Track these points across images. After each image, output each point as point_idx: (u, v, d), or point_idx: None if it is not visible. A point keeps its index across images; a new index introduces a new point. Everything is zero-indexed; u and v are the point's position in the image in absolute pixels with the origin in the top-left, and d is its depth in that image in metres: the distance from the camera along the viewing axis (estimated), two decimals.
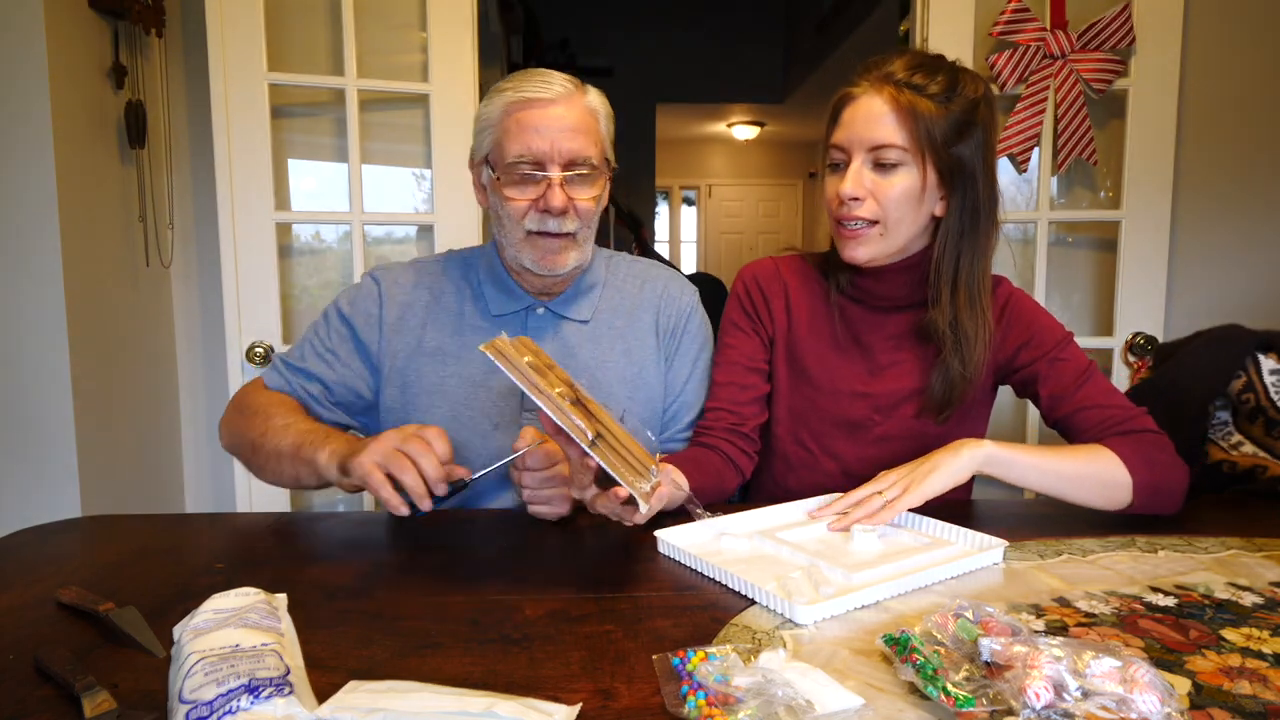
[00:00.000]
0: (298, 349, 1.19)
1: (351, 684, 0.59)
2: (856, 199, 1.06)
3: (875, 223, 1.07)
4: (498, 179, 1.10)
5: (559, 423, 0.79)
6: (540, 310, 1.19)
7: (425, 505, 0.86)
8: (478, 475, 0.91)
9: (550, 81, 1.09)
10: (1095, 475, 0.99)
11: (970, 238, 1.09)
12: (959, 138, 1.05)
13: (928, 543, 0.91)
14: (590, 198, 1.11)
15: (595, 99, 1.13)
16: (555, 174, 1.07)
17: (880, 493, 0.96)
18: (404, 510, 0.87)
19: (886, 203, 1.06)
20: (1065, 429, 1.10)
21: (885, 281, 1.15)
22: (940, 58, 1.09)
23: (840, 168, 1.09)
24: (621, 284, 1.25)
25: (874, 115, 1.05)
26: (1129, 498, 0.99)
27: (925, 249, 1.12)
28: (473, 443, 1.13)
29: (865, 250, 1.09)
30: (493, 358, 0.81)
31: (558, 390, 0.80)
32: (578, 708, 0.56)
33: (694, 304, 1.27)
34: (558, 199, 1.06)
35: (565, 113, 1.07)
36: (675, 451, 1.19)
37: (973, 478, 1.02)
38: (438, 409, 1.15)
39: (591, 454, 0.79)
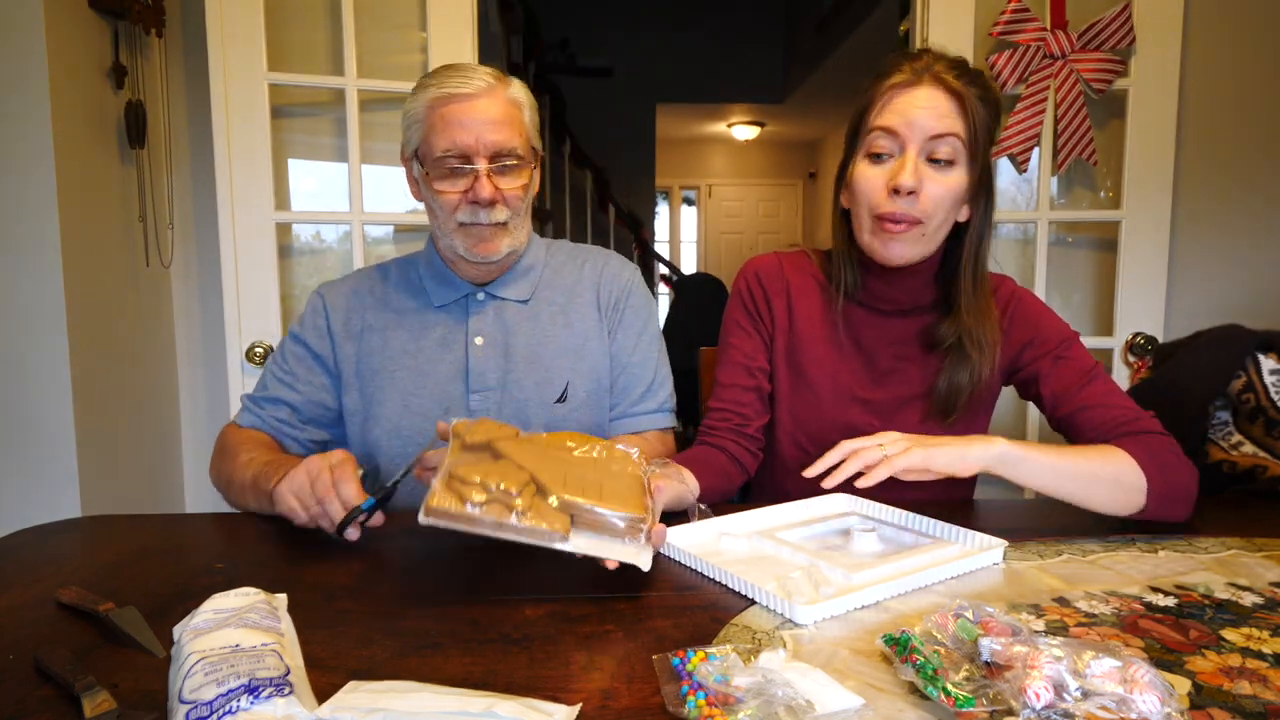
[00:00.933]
0: (260, 383, 1.24)
1: (351, 684, 0.59)
2: (914, 192, 1.01)
3: (919, 223, 1.03)
4: (427, 173, 1.13)
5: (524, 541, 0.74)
6: (480, 295, 1.22)
7: (351, 535, 0.90)
8: (393, 482, 0.91)
9: (471, 76, 1.11)
10: (1110, 476, 0.94)
11: (986, 241, 1.10)
12: (991, 141, 1.06)
13: (928, 542, 0.91)
14: (518, 186, 1.14)
15: (518, 90, 1.15)
16: (482, 166, 1.10)
17: (881, 445, 0.89)
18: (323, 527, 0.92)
19: (937, 201, 1.02)
20: (1068, 428, 1.08)
21: (894, 285, 1.13)
22: (966, 61, 1.07)
23: (884, 159, 1.04)
24: (561, 265, 1.28)
25: (937, 106, 1.01)
26: (1143, 501, 0.95)
27: (938, 254, 1.11)
28: (425, 429, 1.18)
29: (907, 250, 1.05)
30: (436, 523, 0.73)
31: (518, 503, 0.74)
32: (578, 708, 0.56)
33: (635, 280, 1.30)
34: (486, 190, 1.10)
35: (488, 106, 1.10)
36: (636, 429, 1.24)
37: (975, 476, 1.01)
38: (390, 401, 1.19)
39: (570, 551, 0.75)
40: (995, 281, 1.16)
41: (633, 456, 0.86)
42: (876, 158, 1.05)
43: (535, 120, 1.19)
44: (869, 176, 1.05)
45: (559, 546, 0.74)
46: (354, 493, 0.90)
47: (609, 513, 0.76)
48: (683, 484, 0.97)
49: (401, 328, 1.22)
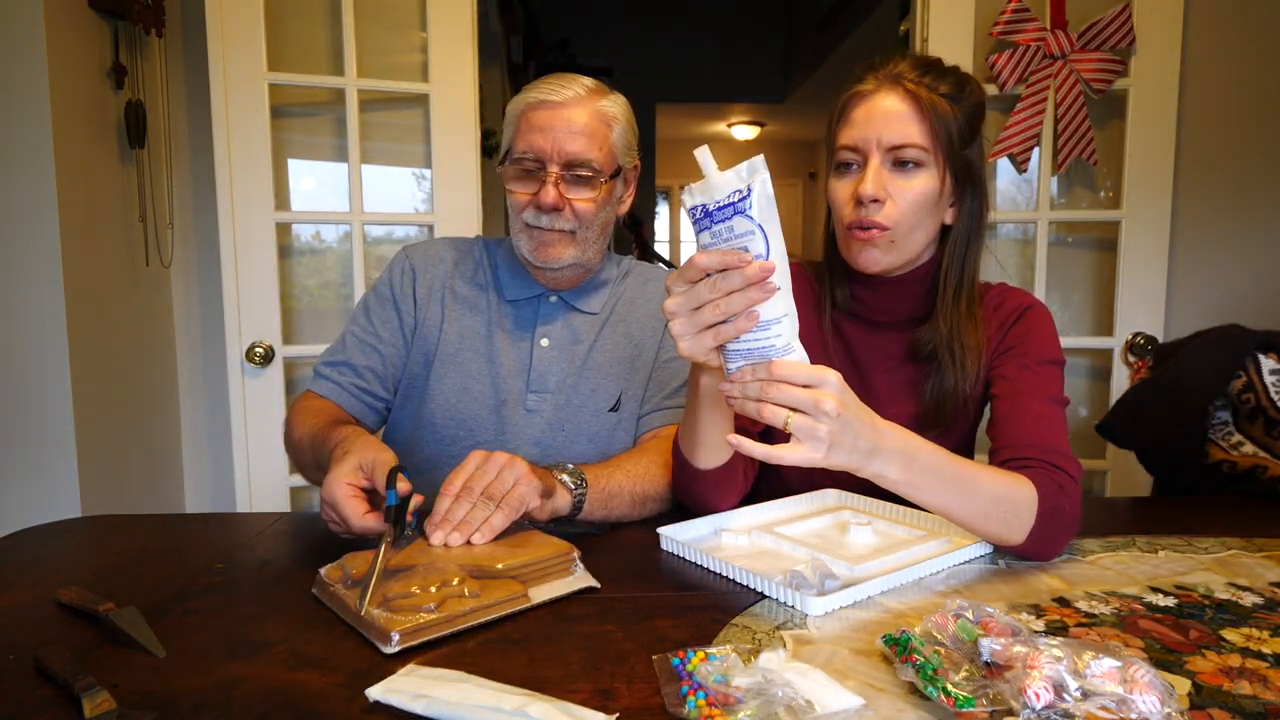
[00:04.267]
0: (335, 346, 1.23)
1: (409, 667, 0.62)
2: (878, 200, 1.00)
3: (886, 229, 1.01)
4: (507, 172, 1.15)
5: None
6: (553, 299, 1.24)
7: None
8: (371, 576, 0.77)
9: (567, 85, 1.13)
10: (1001, 515, 0.84)
11: (975, 245, 1.06)
12: (969, 140, 1.03)
13: (921, 534, 0.92)
14: (588, 199, 1.14)
15: (613, 106, 1.16)
16: (552, 172, 1.11)
17: (788, 417, 0.71)
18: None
19: (904, 206, 1.00)
20: (991, 416, 1.02)
21: (887, 295, 1.09)
22: (941, 61, 1.05)
23: (851, 169, 1.03)
24: (632, 283, 1.30)
25: (893, 112, 0.99)
26: (1020, 541, 0.86)
27: (930, 261, 1.08)
28: (481, 416, 1.19)
29: (880, 257, 1.03)
30: (411, 644, 0.67)
31: (466, 590, 0.72)
32: (615, 717, 0.56)
33: None
34: (550, 195, 1.11)
35: (574, 115, 1.11)
36: (666, 421, 1.19)
37: None
38: (451, 377, 1.20)
39: (530, 608, 0.75)
40: (1004, 293, 1.12)
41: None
42: (844, 169, 1.04)
43: (628, 138, 1.18)
44: (837, 189, 1.05)
45: (523, 608, 0.75)
46: (364, 526, 0.84)
47: (548, 558, 0.80)
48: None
49: (478, 310, 1.23)
